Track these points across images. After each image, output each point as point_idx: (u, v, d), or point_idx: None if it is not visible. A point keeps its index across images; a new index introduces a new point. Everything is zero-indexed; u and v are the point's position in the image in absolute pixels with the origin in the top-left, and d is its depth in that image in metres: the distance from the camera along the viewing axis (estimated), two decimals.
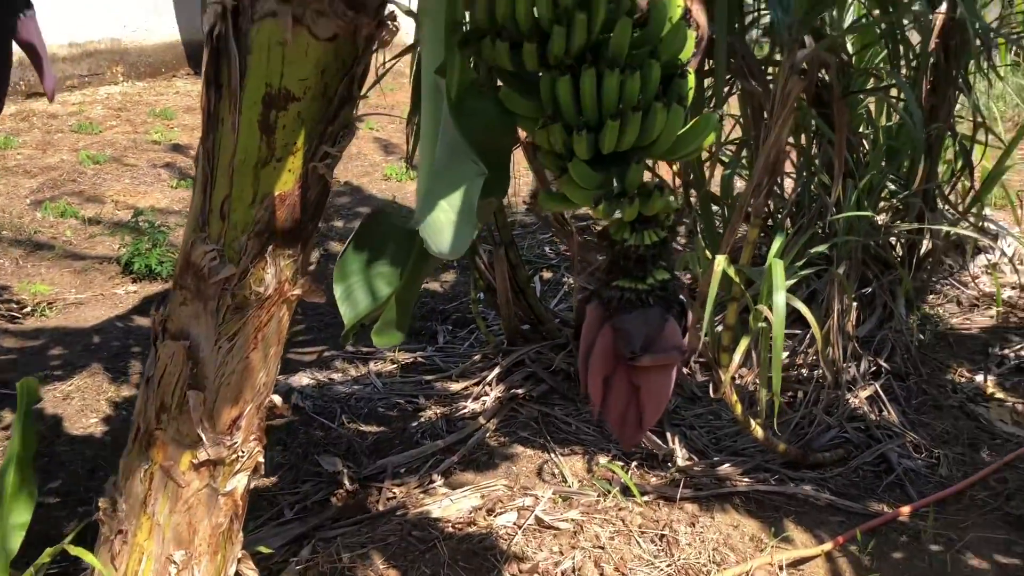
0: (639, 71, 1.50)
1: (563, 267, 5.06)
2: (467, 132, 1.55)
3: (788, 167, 4.06)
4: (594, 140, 1.53)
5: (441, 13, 1.52)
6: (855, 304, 3.45)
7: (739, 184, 4.21)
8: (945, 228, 3.69)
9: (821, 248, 3.16)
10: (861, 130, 4.01)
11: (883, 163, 3.86)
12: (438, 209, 1.51)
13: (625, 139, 1.52)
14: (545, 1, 1.47)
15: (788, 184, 4.13)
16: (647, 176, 1.60)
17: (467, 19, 1.60)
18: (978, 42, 3.32)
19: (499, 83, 1.61)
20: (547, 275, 5.01)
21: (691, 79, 1.58)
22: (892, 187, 4.00)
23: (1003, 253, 4.42)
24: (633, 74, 1.49)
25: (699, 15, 1.58)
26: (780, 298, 2.38)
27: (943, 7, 3.60)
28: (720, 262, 2.45)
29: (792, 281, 2.77)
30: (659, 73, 1.53)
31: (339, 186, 6.46)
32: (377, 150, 7.62)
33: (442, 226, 1.49)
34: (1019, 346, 3.87)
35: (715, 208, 3.81)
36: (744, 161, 3.84)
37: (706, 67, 3.05)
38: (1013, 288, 4.39)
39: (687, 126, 1.60)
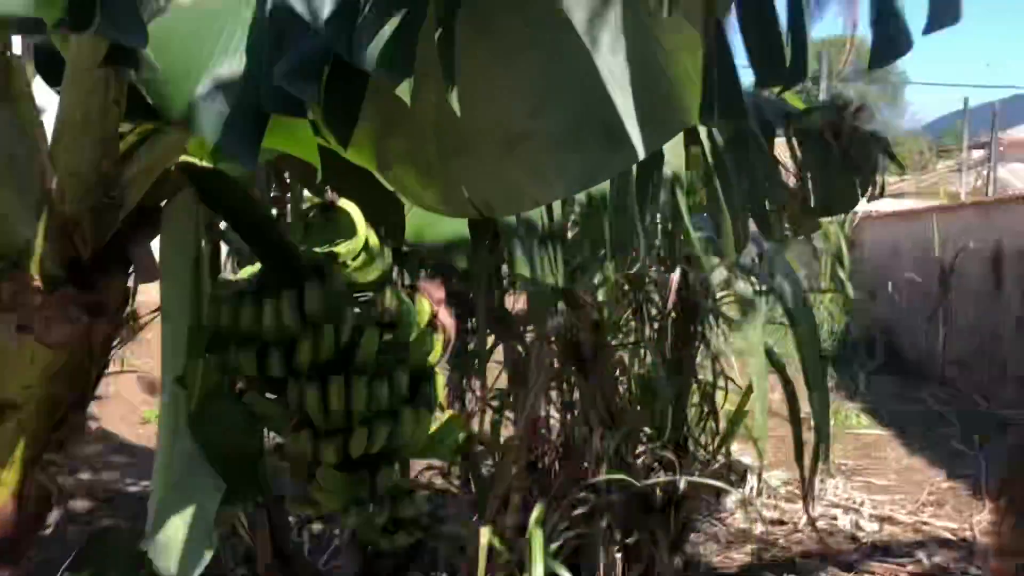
0: (387, 378, 1.51)
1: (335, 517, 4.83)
2: (210, 438, 1.48)
3: (554, 412, 4.19)
4: (343, 445, 1.50)
5: (184, 319, 1.49)
6: (619, 555, 3.51)
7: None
8: (696, 479, 3.89)
9: (582, 509, 3.22)
10: (616, 374, 4.24)
11: (638, 409, 4.06)
12: (170, 526, 1.40)
13: (374, 444, 1.50)
14: (289, 311, 1.47)
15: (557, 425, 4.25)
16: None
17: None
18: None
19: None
20: (317, 527, 4.77)
21: (440, 380, 1.62)
22: (648, 430, 4.20)
23: (749, 494, 4.70)
24: (381, 381, 1.50)
25: (446, 319, 1.64)
26: (538, 571, 2.38)
27: (677, 272, 3.96)
28: (484, 534, 2.43)
29: (556, 544, 2.79)
30: (407, 379, 1.55)
31: (91, 433, 5.99)
32: (137, 390, 7.19)
33: (173, 546, 1.38)
34: None
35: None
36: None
37: (469, 325, 3.16)
38: (764, 524, 4.64)
39: (437, 425, 1.62)
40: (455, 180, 1.45)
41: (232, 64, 1.18)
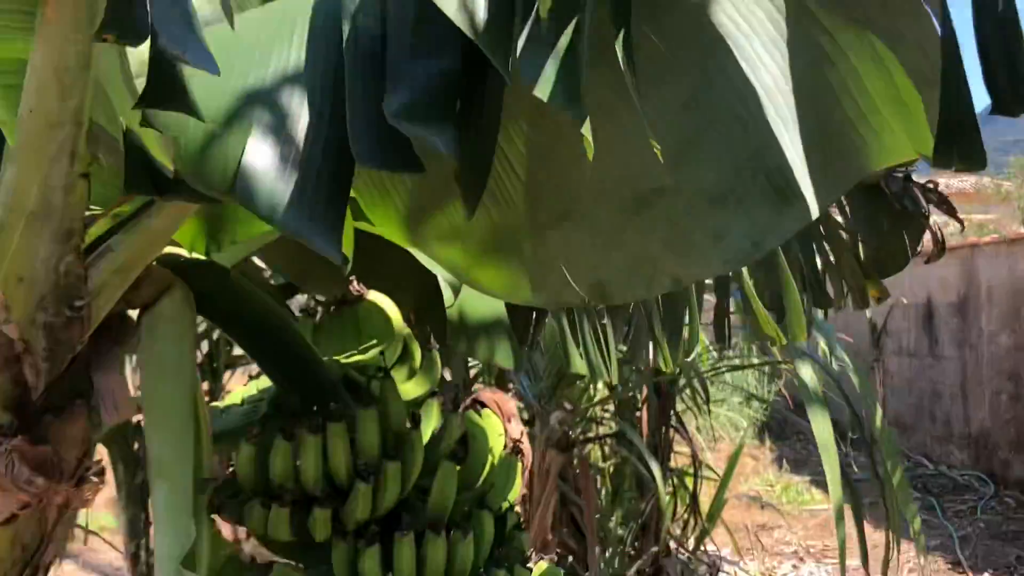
0: (471, 532, 1.11)
1: None
2: None
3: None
4: None
5: (185, 471, 1.06)
6: None
7: None
8: None
9: None
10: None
11: (616, 509, 3.72)
12: None
13: None
14: (341, 452, 1.07)
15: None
16: None
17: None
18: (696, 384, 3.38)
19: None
20: None
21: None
22: (622, 528, 3.85)
23: None
24: (464, 536, 1.10)
25: (525, 440, 1.26)
26: None
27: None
28: None
29: None
30: (493, 527, 1.15)
31: None
32: None
33: None
34: None
35: None
36: None
37: None
38: None
39: None
40: (551, 257, 1.09)
41: (291, 101, 0.81)
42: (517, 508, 1.24)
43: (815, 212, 1.00)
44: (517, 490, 1.22)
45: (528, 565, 1.17)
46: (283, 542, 1.12)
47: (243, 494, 1.12)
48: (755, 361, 4.68)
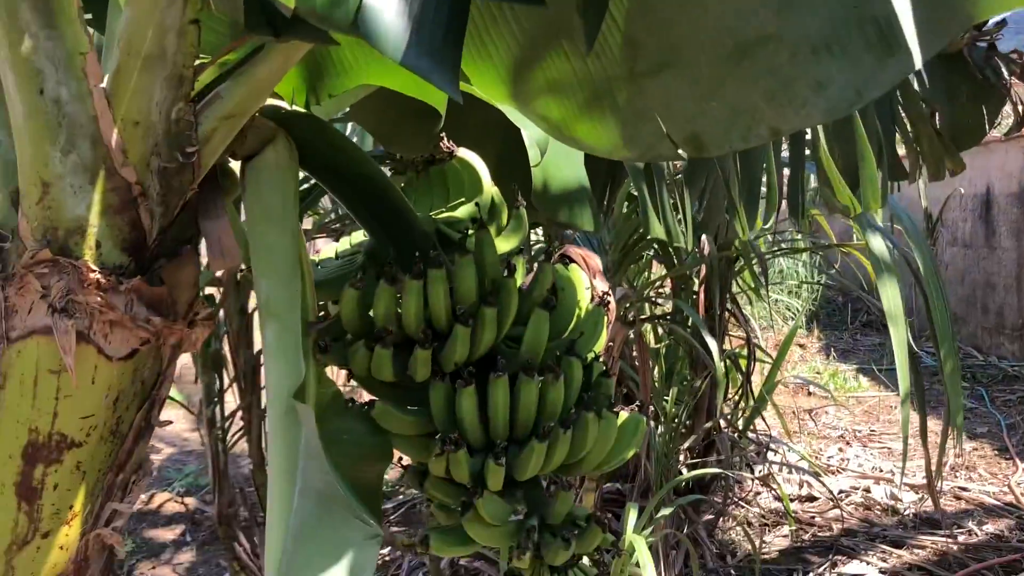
0: (561, 375, 1.16)
1: None
2: (334, 465, 1.13)
3: None
4: (507, 465, 1.15)
5: (294, 313, 1.12)
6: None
7: None
8: (746, 474, 3.62)
9: (666, 511, 2.91)
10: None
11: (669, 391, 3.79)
12: None
13: (552, 462, 1.16)
14: (442, 296, 1.11)
15: None
16: None
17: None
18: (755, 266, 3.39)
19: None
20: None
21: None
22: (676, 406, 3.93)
23: (775, 465, 4.46)
24: (556, 379, 1.15)
25: (611, 295, 1.30)
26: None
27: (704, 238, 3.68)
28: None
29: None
30: (581, 373, 1.20)
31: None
32: None
33: None
34: (821, 566, 3.79)
35: None
36: None
37: None
38: (796, 501, 4.39)
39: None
40: (647, 108, 1.10)
41: None
42: (602, 359, 1.28)
43: (919, 62, 0.99)
44: (603, 341, 1.27)
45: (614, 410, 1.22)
46: (382, 384, 1.18)
47: (345, 338, 1.17)
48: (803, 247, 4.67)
